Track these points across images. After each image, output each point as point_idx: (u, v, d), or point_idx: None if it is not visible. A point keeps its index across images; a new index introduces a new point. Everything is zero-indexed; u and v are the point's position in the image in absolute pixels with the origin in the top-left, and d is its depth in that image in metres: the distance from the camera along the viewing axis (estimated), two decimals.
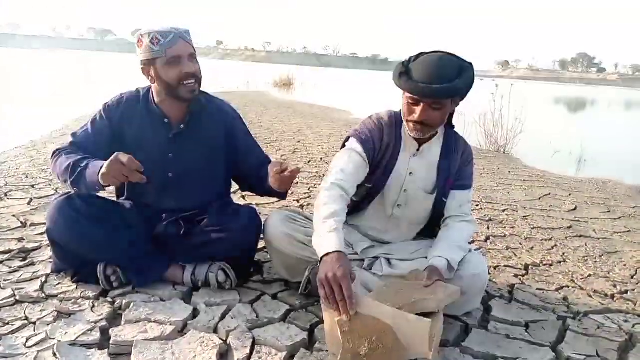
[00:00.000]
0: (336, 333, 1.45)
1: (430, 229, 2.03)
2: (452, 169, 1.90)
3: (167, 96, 1.91)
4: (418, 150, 1.88)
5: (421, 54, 1.74)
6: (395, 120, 1.90)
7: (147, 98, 1.98)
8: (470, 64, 1.71)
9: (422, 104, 1.68)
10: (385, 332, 1.39)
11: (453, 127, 1.95)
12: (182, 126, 1.97)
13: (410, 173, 1.89)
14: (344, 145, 1.94)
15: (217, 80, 19.92)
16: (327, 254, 1.47)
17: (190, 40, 1.88)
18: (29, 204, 2.97)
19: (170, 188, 2.01)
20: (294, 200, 3.47)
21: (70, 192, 1.93)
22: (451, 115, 1.88)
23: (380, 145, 1.87)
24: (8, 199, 3.06)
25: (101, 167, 1.66)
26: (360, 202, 1.96)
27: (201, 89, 1.96)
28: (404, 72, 1.70)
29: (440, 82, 1.61)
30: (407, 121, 1.77)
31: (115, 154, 1.63)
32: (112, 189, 2.13)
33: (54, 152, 1.90)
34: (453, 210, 1.90)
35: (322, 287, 1.42)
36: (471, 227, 1.91)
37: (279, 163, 1.77)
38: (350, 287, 1.40)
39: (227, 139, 2.06)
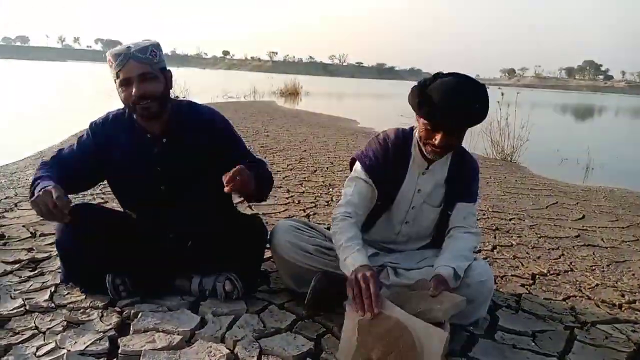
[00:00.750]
0: (353, 338, 1.50)
1: (435, 241, 2.04)
2: (458, 183, 1.91)
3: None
4: (427, 168, 1.89)
5: (437, 75, 1.73)
6: (404, 138, 1.91)
7: (130, 115, 1.98)
8: (484, 85, 1.72)
9: (441, 131, 1.69)
10: (403, 334, 1.44)
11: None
12: (164, 140, 1.96)
13: (419, 190, 1.91)
14: (351, 164, 1.98)
15: (223, 90, 20.03)
16: (356, 268, 1.59)
17: (144, 59, 1.81)
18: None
19: (166, 200, 2.01)
20: (300, 210, 3.49)
21: (80, 204, 1.95)
22: None
23: (386, 166, 1.89)
24: (18, 209, 3.10)
25: (33, 193, 1.64)
26: (368, 218, 1.97)
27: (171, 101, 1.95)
28: (423, 101, 1.68)
29: (461, 111, 1.62)
30: (425, 144, 1.78)
31: (50, 187, 1.60)
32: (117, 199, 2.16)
33: (39, 165, 1.91)
34: (457, 222, 1.91)
35: (351, 287, 1.55)
36: (476, 238, 1.92)
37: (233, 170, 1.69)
38: (377, 286, 1.54)
39: (213, 146, 2.00)
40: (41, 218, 1.69)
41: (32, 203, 1.61)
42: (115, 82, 1.85)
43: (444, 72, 1.76)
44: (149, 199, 2.01)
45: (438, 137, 1.70)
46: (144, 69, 1.81)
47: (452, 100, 1.62)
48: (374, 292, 1.51)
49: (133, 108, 1.85)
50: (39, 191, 1.61)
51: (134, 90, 1.80)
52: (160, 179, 1.98)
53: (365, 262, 1.63)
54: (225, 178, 1.67)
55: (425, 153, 1.82)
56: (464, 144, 1.95)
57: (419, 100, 1.68)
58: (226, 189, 1.68)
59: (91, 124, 2.01)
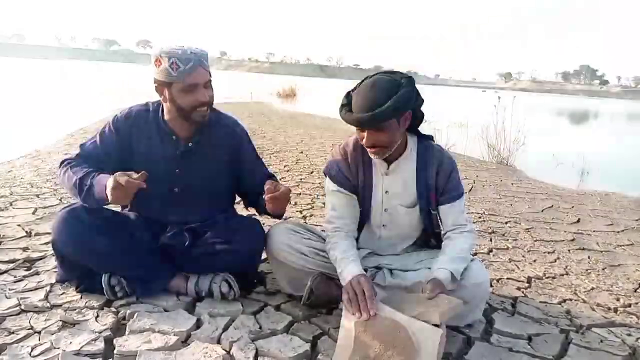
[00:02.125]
0: (349, 341, 1.51)
1: (427, 241, 2.04)
2: (429, 181, 1.88)
3: (177, 117, 1.93)
4: (388, 168, 1.89)
5: (364, 79, 1.77)
6: (361, 145, 1.89)
7: (156, 113, 1.99)
8: (409, 78, 1.72)
9: (365, 131, 1.72)
10: (400, 333, 1.46)
11: (430, 137, 1.94)
12: (190, 144, 1.99)
13: (386, 192, 1.91)
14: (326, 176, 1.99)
15: (220, 90, 19.99)
16: (351, 278, 1.65)
17: (207, 67, 1.89)
18: (33, 213, 2.99)
19: (175, 202, 2.02)
20: (296, 211, 3.49)
21: (75, 203, 1.95)
22: (414, 127, 1.87)
23: (350, 173, 1.91)
24: (13, 208, 3.08)
25: (106, 188, 1.69)
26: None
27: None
28: (345, 105, 1.75)
29: (371, 108, 1.64)
30: (363, 146, 1.81)
31: (113, 178, 1.64)
32: None
33: (61, 163, 1.92)
34: (449, 225, 1.90)
35: (346, 292, 1.61)
36: (471, 237, 1.90)
37: (272, 182, 1.77)
38: (372, 290, 1.61)
39: (233, 157, 2.07)
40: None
41: (112, 202, 1.71)
42: (166, 83, 1.84)
43: (384, 71, 1.79)
44: (158, 198, 2.01)
45: (364, 136, 1.73)
46: (208, 77, 1.88)
47: (361, 100, 1.68)
48: (369, 295, 1.57)
49: (190, 112, 1.87)
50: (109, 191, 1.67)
51: (200, 96, 1.85)
52: (176, 182, 1.99)
53: (360, 272, 1.68)
54: (273, 195, 1.74)
55: (373, 158, 1.83)
56: (449, 144, 1.95)
57: (342, 104, 1.77)
58: (272, 209, 1.82)
59: (114, 118, 2.01)
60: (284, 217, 2.05)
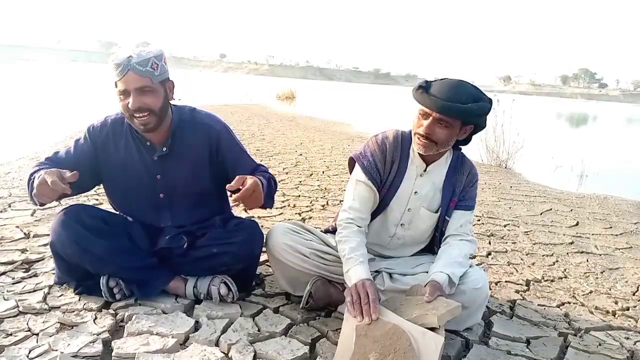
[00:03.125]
0: (350, 343, 1.51)
1: (431, 247, 2.05)
2: (456, 189, 1.92)
3: None
4: (425, 170, 1.90)
5: (445, 78, 1.79)
6: (402, 139, 1.92)
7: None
8: (490, 100, 1.76)
9: (431, 118, 1.71)
10: (401, 337, 1.46)
11: (459, 147, 1.96)
12: (164, 149, 1.96)
13: (415, 192, 1.91)
14: (350, 165, 2.00)
15: (219, 93, 20.02)
16: (357, 282, 1.64)
17: (143, 71, 1.77)
18: (32, 215, 2.99)
19: (164, 207, 2.01)
20: (295, 214, 3.49)
21: (73, 205, 1.95)
22: (459, 141, 1.89)
23: (384, 167, 1.90)
24: (12, 209, 3.08)
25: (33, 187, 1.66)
26: None
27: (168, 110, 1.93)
28: (423, 87, 1.74)
29: (451, 100, 1.66)
30: (415, 134, 1.80)
31: (46, 172, 1.61)
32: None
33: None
34: (453, 229, 1.91)
35: (350, 295, 1.61)
36: (471, 246, 1.92)
37: (232, 185, 1.65)
38: (376, 294, 1.61)
39: (213, 153, 2.02)
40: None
41: (35, 196, 1.65)
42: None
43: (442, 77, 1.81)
44: (146, 205, 2.00)
45: (423, 123, 1.73)
46: (142, 83, 1.79)
47: (448, 89, 1.69)
48: (372, 298, 1.56)
49: (131, 118, 1.84)
50: (37, 182, 1.63)
51: (130, 102, 1.78)
52: (160, 188, 1.98)
53: (366, 275, 1.67)
54: (235, 190, 1.64)
55: (415, 147, 1.84)
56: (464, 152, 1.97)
57: (420, 86, 1.75)
58: (233, 204, 1.67)
59: (89, 128, 1.99)
60: (283, 220, 2.04)
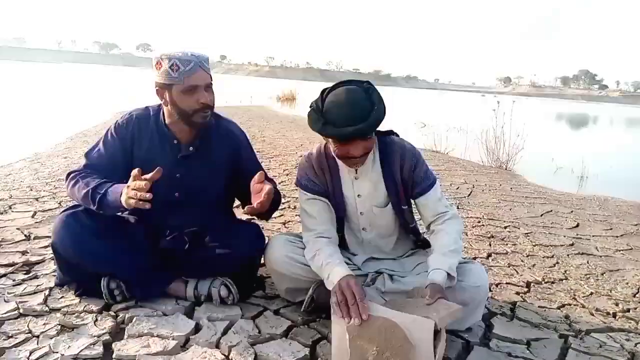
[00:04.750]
0: (344, 345, 1.49)
1: (408, 238, 2.04)
2: (395, 175, 1.87)
3: (178, 120, 1.92)
4: (356, 172, 1.89)
5: (325, 93, 1.76)
6: (325, 152, 1.92)
7: (157, 117, 1.99)
8: (369, 83, 1.74)
9: (353, 142, 1.69)
10: (394, 331, 1.45)
11: (390, 132, 1.94)
12: (191, 148, 1.98)
13: (359, 195, 1.92)
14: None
15: (220, 94, 20.04)
16: (339, 280, 1.61)
17: (208, 69, 1.89)
18: (33, 216, 2.99)
19: (175, 207, 2.02)
20: (295, 215, 3.49)
21: (74, 206, 1.95)
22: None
23: (318, 177, 1.92)
24: (12, 211, 3.08)
25: (121, 195, 1.68)
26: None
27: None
28: (324, 123, 1.69)
29: (356, 122, 1.63)
30: (342, 159, 1.79)
31: (125, 187, 1.65)
32: None
33: (68, 176, 1.90)
34: (430, 216, 1.89)
35: (334, 295, 1.57)
36: (456, 222, 1.88)
37: (257, 179, 1.72)
38: (362, 292, 1.56)
39: (233, 161, 2.06)
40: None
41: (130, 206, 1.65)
42: (167, 85, 1.84)
43: (342, 82, 1.79)
44: (158, 204, 2.00)
45: (352, 148, 1.70)
46: (209, 79, 1.88)
47: (343, 112, 1.65)
48: (359, 297, 1.53)
49: (191, 115, 1.86)
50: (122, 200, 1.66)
51: (200, 98, 1.84)
52: (177, 187, 1.99)
53: (347, 272, 1.64)
54: (257, 196, 1.68)
55: (348, 167, 1.83)
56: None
57: (322, 123, 1.70)
58: (249, 209, 1.68)
59: (115, 124, 2.00)
60: (284, 222, 2.04)
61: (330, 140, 1.77)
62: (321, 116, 1.71)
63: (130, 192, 1.62)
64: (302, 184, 1.94)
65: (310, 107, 1.77)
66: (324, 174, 1.92)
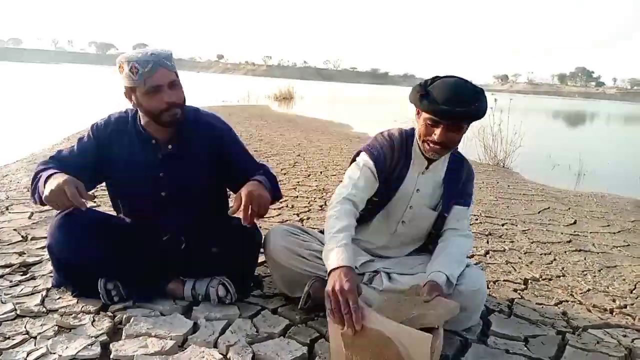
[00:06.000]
0: (341, 347, 1.47)
1: (426, 246, 2.06)
2: (458, 185, 1.94)
3: (150, 120, 1.91)
4: (427, 168, 1.91)
5: (436, 77, 1.79)
6: (406, 137, 1.93)
7: (134, 119, 1.98)
8: (482, 89, 1.76)
9: (441, 126, 1.71)
10: (388, 345, 1.41)
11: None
12: (170, 147, 1.97)
13: (418, 190, 1.93)
14: (354, 159, 1.98)
15: (217, 94, 20.01)
16: (335, 268, 1.50)
17: (171, 66, 1.83)
18: (30, 217, 2.99)
19: (165, 206, 2.01)
20: (293, 214, 3.49)
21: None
22: None
23: (391, 162, 1.91)
24: (9, 212, 3.07)
25: (48, 180, 1.66)
26: (365, 215, 1.97)
27: (186, 106, 1.95)
28: (424, 95, 1.72)
29: (462, 105, 1.66)
30: (424, 141, 1.80)
31: (65, 180, 1.61)
32: (110, 202, 2.16)
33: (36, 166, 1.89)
34: (451, 224, 1.93)
35: (328, 300, 1.46)
36: (469, 242, 1.94)
37: (239, 197, 1.71)
38: (357, 300, 1.43)
39: (216, 153, 2.03)
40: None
41: (45, 200, 1.63)
42: (131, 88, 1.82)
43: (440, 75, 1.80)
44: (147, 204, 2.00)
45: (437, 132, 1.73)
46: (172, 77, 1.84)
47: (453, 94, 1.68)
48: (353, 307, 1.41)
49: (158, 115, 1.85)
50: (46, 181, 1.65)
51: (165, 97, 1.81)
52: (162, 186, 1.98)
53: (347, 262, 1.51)
54: (240, 208, 1.69)
55: (425, 152, 1.84)
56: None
57: (421, 94, 1.72)
58: (246, 222, 1.71)
59: (92, 126, 1.99)
60: (281, 220, 2.04)
61: (420, 117, 1.78)
62: (424, 90, 1.73)
63: (70, 193, 1.60)
64: (373, 153, 1.90)
65: (420, 82, 1.79)
66: (398, 158, 1.91)
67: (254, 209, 1.73)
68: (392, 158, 1.91)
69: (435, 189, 1.94)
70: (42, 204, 1.74)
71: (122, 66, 1.80)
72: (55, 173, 1.71)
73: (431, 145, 1.77)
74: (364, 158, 1.91)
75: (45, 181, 1.69)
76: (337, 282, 1.45)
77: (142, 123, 1.96)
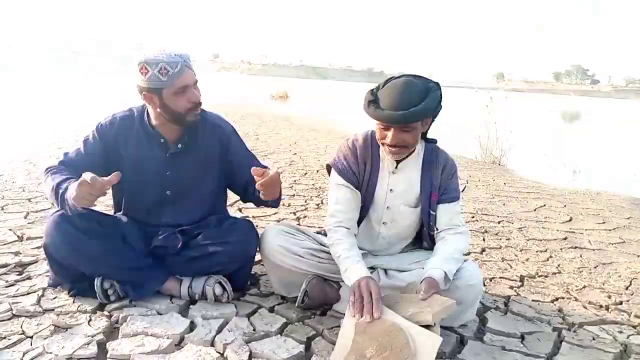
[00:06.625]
0: (349, 339, 1.53)
1: (420, 242, 2.06)
2: (434, 182, 1.92)
3: (169, 121, 1.92)
4: (396, 167, 1.91)
5: (390, 79, 1.80)
6: (372, 140, 1.93)
7: (142, 118, 1.99)
8: (437, 84, 1.77)
9: (392, 129, 1.73)
10: (399, 335, 1.47)
11: (434, 141, 1.98)
12: (179, 146, 1.99)
13: (391, 190, 1.93)
14: (328, 171, 2.01)
15: (213, 93, 19.96)
16: (360, 278, 1.66)
17: (192, 67, 1.90)
18: (25, 217, 2.98)
19: (167, 205, 2.02)
20: (290, 213, 3.49)
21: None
22: (425, 132, 1.92)
23: (358, 168, 1.93)
24: (5, 212, 3.06)
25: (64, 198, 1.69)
26: None
27: None
28: (373, 101, 1.75)
29: (404, 107, 1.67)
30: (382, 144, 1.82)
31: (81, 181, 1.61)
32: (109, 201, 2.15)
33: (45, 171, 1.88)
34: (445, 224, 1.92)
35: (352, 293, 1.63)
36: (465, 238, 1.93)
37: (257, 169, 1.73)
38: (380, 294, 1.61)
39: (222, 154, 2.07)
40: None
41: (75, 199, 1.64)
42: (155, 89, 1.82)
43: (411, 74, 1.82)
44: (151, 202, 2.01)
45: (389, 134, 1.74)
46: (195, 77, 1.90)
47: (396, 98, 1.69)
48: (375, 298, 1.58)
49: (184, 115, 1.88)
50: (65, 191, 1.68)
51: (191, 97, 1.86)
52: (168, 185, 1.99)
53: (367, 274, 1.69)
54: (262, 180, 1.70)
55: (388, 157, 1.86)
56: (441, 145, 1.98)
57: (369, 101, 1.76)
58: (259, 186, 1.72)
59: (97, 126, 2.00)
60: (278, 219, 2.04)
61: (376, 122, 1.79)
62: (374, 96, 1.77)
63: (85, 193, 1.61)
64: (338, 167, 1.94)
65: (370, 90, 1.82)
66: (364, 161, 1.93)
67: (271, 191, 1.78)
68: (357, 164, 1.93)
69: (411, 187, 1.93)
70: (74, 208, 1.74)
71: (147, 67, 1.81)
72: (70, 179, 1.75)
73: (387, 147, 1.79)
74: (334, 176, 1.96)
75: (65, 191, 1.72)
76: (364, 282, 1.63)
77: (152, 123, 1.96)
